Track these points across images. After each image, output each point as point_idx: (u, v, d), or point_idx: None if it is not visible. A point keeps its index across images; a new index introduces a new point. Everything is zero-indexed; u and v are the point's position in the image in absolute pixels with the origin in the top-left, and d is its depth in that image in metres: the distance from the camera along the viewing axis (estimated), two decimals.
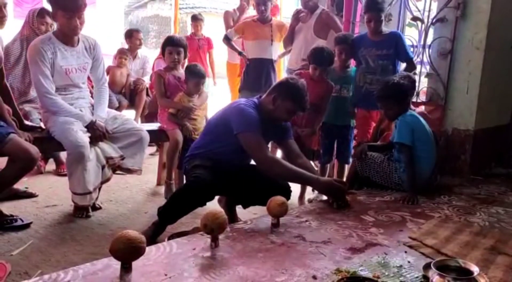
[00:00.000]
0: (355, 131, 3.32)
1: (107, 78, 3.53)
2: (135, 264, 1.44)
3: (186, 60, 3.75)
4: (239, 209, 2.61)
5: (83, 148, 2.53)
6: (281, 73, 5.40)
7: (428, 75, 3.37)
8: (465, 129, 3.17)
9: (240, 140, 2.22)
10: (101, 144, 2.71)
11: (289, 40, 3.78)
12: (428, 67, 3.38)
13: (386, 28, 3.17)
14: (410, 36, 3.40)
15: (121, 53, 4.65)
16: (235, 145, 2.25)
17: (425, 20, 3.29)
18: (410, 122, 2.56)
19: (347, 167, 3.29)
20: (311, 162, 2.98)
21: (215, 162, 2.27)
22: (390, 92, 2.58)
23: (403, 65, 3.22)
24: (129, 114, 4.28)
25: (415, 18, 3.37)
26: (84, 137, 2.59)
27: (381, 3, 3.01)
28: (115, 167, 2.79)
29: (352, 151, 3.18)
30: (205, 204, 2.24)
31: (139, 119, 4.61)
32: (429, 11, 3.30)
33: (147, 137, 2.87)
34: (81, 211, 2.68)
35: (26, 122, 2.84)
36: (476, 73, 3.09)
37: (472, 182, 2.98)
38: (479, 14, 3.03)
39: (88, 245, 2.30)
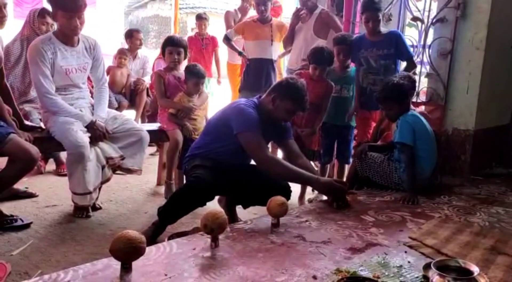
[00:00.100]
0: (355, 131, 3.32)
1: (107, 78, 3.53)
2: (135, 264, 1.44)
3: (187, 60, 3.76)
4: (239, 209, 2.61)
5: (83, 148, 2.53)
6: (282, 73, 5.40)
7: (428, 75, 3.37)
8: (465, 129, 3.17)
9: (240, 140, 2.23)
10: (101, 144, 2.71)
11: (289, 40, 3.78)
12: (428, 67, 3.37)
13: (384, 28, 3.17)
14: (410, 36, 3.40)
15: (120, 53, 4.65)
16: (235, 145, 2.25)
17: (425, 20, 3.29)
18: (411, 122, 2.56)
19: (347, 167, 3.29)
20: (311, 162, 2.98)
21: (215, 162, 2.27)
22: (391, 93, 2.58)
23: (403, 65, 3.21)
24: (129, 114, 4.28)
25: (415, 18, 3.37)
26: (84, 137, 2.59)
27: (378, 3, 3.01)
28: (115, 167, 2.79)
29: (352, 151, 3.18)
30: (205, 204, 2.24)
31: (139, 120, 4.61)
32: (429, 11, 3.30)
33: (147, 137, 2.87)
34: (81, 211, 2.69)
35: (26, 122, 2.84)
36: (476, 73, 3.09)
37: (472, 182, 2.98)
38: (479, 14, 3.03)
39: (88, 245, 2.30)
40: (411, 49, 3.23)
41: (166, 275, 1.45)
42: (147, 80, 4.72)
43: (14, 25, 3.82)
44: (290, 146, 2.51)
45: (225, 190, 2.36)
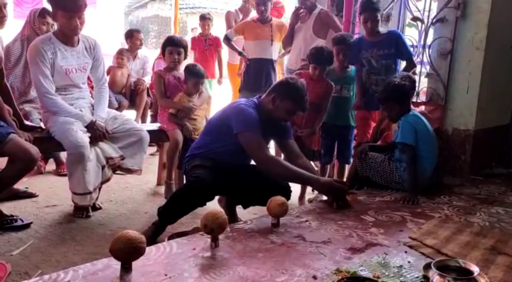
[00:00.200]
0: (355, 131, 3.31)
1: (108, 78, 3.52)
2: (135, 264, 1.44)
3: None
4: (239, 209, 2.61)
5: (83, 148, 2.53)
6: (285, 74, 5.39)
7: (428, 75, 3.37)
8: (465, 129, 3.17)
9: (240, 140, 2.22)
10: (101, 144, 2.71)
11: (288, 40, 3.78)
12: (428, 67, 3.37)
13: (382, 28, 3.17)
14: (410, 36, 3.39)
15: (119, 54, 4.65)
16: (235, 145, 2.25)
17: (425, 20, 3.29)
18: (412, 122, 2.56)
19: (347, 167, 3.29)
20: (311, 162, 2.98)
21: (215, 162, 2.27)
22: (392, 94, 2.58)
23: (402, 64, 3.21)
24: (130, 114, 4.28)
25: (415, 18, 3.37)
26: (84, 137, 2.59)
27: (376, 3, 3.00)
28: (115, 167, 2.79)
29: (352, 151, 3.18)
30: (205, 204, 2.24)
31: (140, 120, 4.61)
32: (429, 11, 3.29)
33: (147, 137, 2.87)
34: (81, 211, 2.68)
35: (26, 122, 2.84)
36: (476, 73, 3.09)
37: (472, 182, 2.98)
38: (479, 14, 3.03)
39: (88, 245, 2.30)
40: (411, 49, 3.23)
41: (166, 275, 1.45)
42: (147, 80, 4.72)
43: (14, 25, 3.82)
44: (290, 146, 2.51)
45: (225, 190, 2.36)
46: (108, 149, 2.74)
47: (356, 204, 2.34)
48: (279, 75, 4.32)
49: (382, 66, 3.05)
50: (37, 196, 3.03)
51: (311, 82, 2.87)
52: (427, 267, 1.49)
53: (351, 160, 3.19)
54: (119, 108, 4.35)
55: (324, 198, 2.50)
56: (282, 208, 1.91)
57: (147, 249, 1.48)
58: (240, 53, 4.33)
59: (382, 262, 1.62)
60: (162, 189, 3.32)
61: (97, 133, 2.68)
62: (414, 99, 3.15)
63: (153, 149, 4.45)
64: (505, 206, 2.44)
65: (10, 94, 2.73)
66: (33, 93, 3.31)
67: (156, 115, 4.38)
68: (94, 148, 2.66)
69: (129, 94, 4.65)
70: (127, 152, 2.80)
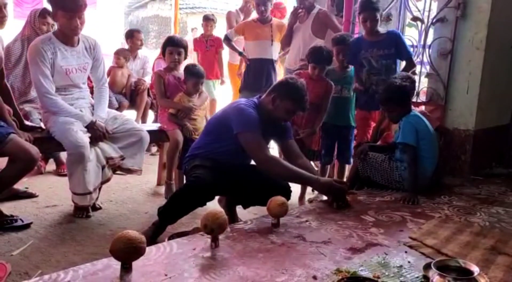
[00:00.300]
0: (355, 131, 3.31)
1: (108, 78, 3.52)
2: (135, 264, 1.44)
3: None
4: (239, 209, 2.61)
5: (83, 148, 2.53)
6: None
7: (428, 75, 3.37)
8: (465, 129, 3.17)
9: (240, 140, 2.22)
10: (101, 144, 2.71)
11: (287, 40, 3.77)
12: (428, 67, 3.37)
13: (381, 28, 3.17)
14: (410, 36, 3.40)
15: (117, 53, 4.64)
16: (235, 145, 2.25)
17: (425, 20, 3.29)
18: (414, 123, 2.56)
19: (347, 167, 3.29)
20: (312, 162, 2.98)
21: (215, 162, 2.27)
22: (393, 94, 2.58)
23: (402, 64, 3.21)
24: (130, 114, 4.28)
25: (415, 18, 3.37)
26: (84, 137, 2.59)
27: (376, 2, 3.00)
28: (115, 167, 2.79)
29: (353, 151, 3.18)
30: (205, 204, 2.24)
31: (140, 120, 4.61)
32: (429, 11, 3.29)
33: (147, 137, 2.87)
34: (81, 211, 2.69)
35: (26, 122, 2.84)
36: (476, 73, 3.09)
37: (472, 182, 2.98)
38: (479, 14, 3.03)
39: (88, 245, 2.30)
40: (411, 49, 3.23)
41: (166, 275, 1.45)
42: (148, 80, 4.72)
43: (14, 25, 3.82)
44: (290, 146, 2.50)
45: (225, 190, 2.36)
46: (108, 149, 2.74)
47: (356, 204, 2.34)
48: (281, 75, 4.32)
49: (382, 66, 3.05)
50: (37, 196, 3.03)
51: (311, 82, 2.87)
52: (427, 267, 1.49)
53: (351, 160, 3.19)
54: (119, 108, 4.34)
55: (324, 198, 2.50)
56: (282, 208, 1.91)
57: (147, 249, 1.48)
58: (240, 54, 4.33)
59: (382, 262, 1.62)
60: (162, 189, 3.32)
61: (97, 134, 2.68)
62: (414, 99, 3.15)
63: (154, 149, 4.45)
64: (505, 206, 2.44)
65: (10, 94, 2.74)
66: (33, 93, 3.31)
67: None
68: (94, 148, 2.66)
69: (130, 95, 4.65)
70: (127, 152, 2.80)
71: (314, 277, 1.48)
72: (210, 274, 1.47)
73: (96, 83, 2.94)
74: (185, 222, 2.47)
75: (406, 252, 1.73)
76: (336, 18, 3.82)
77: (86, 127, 2.66)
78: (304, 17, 3.66)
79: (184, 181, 2.68)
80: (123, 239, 1.38)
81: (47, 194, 3.11)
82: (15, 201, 2.89)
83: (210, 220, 1.63)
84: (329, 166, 3.36)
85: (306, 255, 1.66)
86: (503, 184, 2.98)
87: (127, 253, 1.38)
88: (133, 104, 4.65)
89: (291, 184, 2.37)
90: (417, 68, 3.32)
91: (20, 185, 2.94)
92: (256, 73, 4.07)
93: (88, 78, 2.94)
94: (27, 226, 2.49)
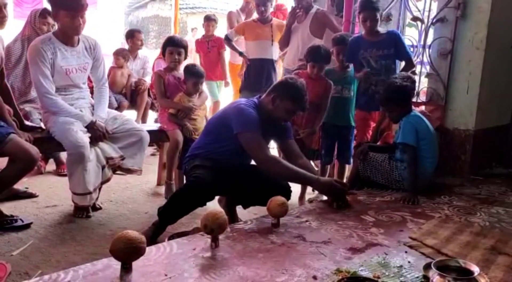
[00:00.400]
0: (355, 131, 3.31)
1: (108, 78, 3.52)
2: (135, 264, 1.44)
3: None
4: (239, 209, 2.61)
5: (83, 148, 2.53)
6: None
7: (428, 75, 3.37)
8: (465, 129, 3.17)
9: (240, 140, 2.22)
10: (101, 144, 2.71)
11: (285, 40, 3.77)
12: (428, 67, 3.37)
13: (381, 28, 3.17)
14: (410, 36, 3.40)
15: (116, 54, 4.64)
16: (235, 145, 2.25)
17: (425, 20, 3.29)
18: (414, 122, 2.56)
19: (347, 167, 3.29)
20: (312, 162, 2.98)
21: (215, 162, 2.27)
22: (393, 94, 2.58)
23: (401, 64, 3.21)
24: (130, 114, 4.28)
25: (415, 18, 3.37)
26: (84, 137, 2.59)
27: (376, 2, 2.99)
28: (115, 167, 2.79)
29: (353, 152, 3.18)
30: (205, 204, 2.24)
31: (140, 120, 4.60)
32: (429, 11, 3.29)
33: (147, 137, 2.87)
34: (81, 211, 2.69)
35: (27, 122, 2.84)
36: (476, 73, 3.09)
37: (472, 182, 2.98)
38: (479, 14, 3.03)
39: (88, 245, 2.30)
40: (411, 49, 3.22)
41: (166, 275, 1.45)
42: (148, 80, 4.72)
43: (14, 25, 3.82)
44: (290, 145, 2.50)
45: (225, 190, 2.36)
46: (108, 149, 2.74)
47: (356, 204, 2.34)
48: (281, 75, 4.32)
49: (381, 67, 3.04)
50: (37, 196, 3.03)
51: (310, 82, 2.87)
52: (427, 267, 1.49)
53: (351, 160, 3.19)
54: (119, 108, 4.34)
55: (324, 198, 2.50)
56: (282, 208, 1.91)
57: (147, 249, 1.48)
58: (240, 54, 4.33)
59: (382, 262, 1.62)
60: (162, 189, 3.32)
61: (97, 134, 2.68)
62: (414, 99, 3.15)
63: (154, 149, 4.45)
64: (505, 206, 2.44)
65: (10, 94, 2.74)
66: (33, 93, 3.31)
67: None
68: (94, 148, 2.66)
69: (130, 95, 4.65)
70: (127, 152, 2.80)
71: (314, 277, 1.48)
72: (210, 274, 1.47)
73: (96, 83, 2.94)
74: (185, 222, 2.47)
75: (406, 252, 1.73)
76: (336, 18, 3.82)
77: (86, 127, 2.66)
78: (302, 17, 3.66)
79: (184, 181, 2.68)
80: (123, 239, 1.38)
81: (47, 194, 3.11)
82: (15, 201, 2.89)
83: (210, 220, 1.63)
84: (329, 166, 3.36)
85: (306, 255, 1.66)
86: (503, 184, 2.98)
87: (127, 253, 1.38)
88: (133, 105, 4.65)
89: (291, 184, 2.37)
90: (417, 68, 3.31)
91: (20, 185, 2.94)
92: (256, 73, 4.07)
93: (88, 78, 2.94)
94: (27, 226, 2.49)
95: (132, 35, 4.86)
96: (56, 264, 2.06)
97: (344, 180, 3.02)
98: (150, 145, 3.40)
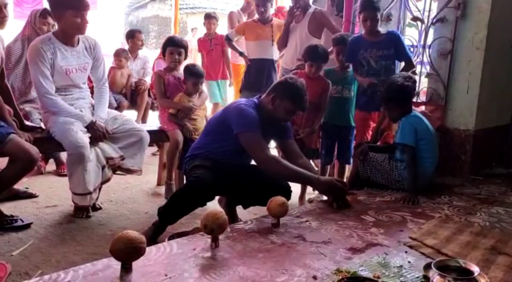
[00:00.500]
0: (355, 131, 3.31)
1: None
2: (135, 264, 1.44)
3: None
4: (239, 209, 2.61)
5: (83, 148, 2.53)
6: None
7: (428, 75, 3.37)
8: (465, 129, 3.16)
9: (240, 140, 2.22)
10: (101, 144, 2.71)
11: (283, 39, 3.77)
12: (428, 67, 3.37)
13: (382, 28, 3.17)
14: (410, 36, 3.40)
15: (117, 55, 4.63)
16: (235, 145, 2.25)
17: (425, 20, 3.29)
18: (413, 122, 2.56)
19: (347, 167, 3.29)
20: (311, 161, 2.98)
21: (215, 162, 2.27)
22: (394, 94, 2.58)
23: (401, 65, 3.21)
24: (130, 115, 4.28)
25: (415, 18, 3.37)
26: (84, 137, 2.59)
27: (377, 2, 2.98)
28: (115, 167, 2.79)
29: (353, 152, 3.18)
30: (205, 204, 2.25)
31: (140, 120, 4.60)
32: (429, 11, 3.29)
33: (147, 137, 2.87)
34: (81, 211, 2.69)
35: (27, 122, 2.84)
36: (476, 73, 3.08)
37: (472, 182, 2.98)
38: (479, 14, 3.03)
39: (88, 245, 2.30)
40: (411, 50, 3.22)
41: (166, 275, 1.45)
42: (148, 80, 4.72)
43: (15, 25, 3.82)
44: (290, 145, 2.51)
45: (225, 190, 2.36)
46: (108, 149, 2.74)
47: (356, 204, 2.34)
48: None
49: (381, 67, 3.04)
50: (37, 196, 3.03)
51: (308, 81, 2.86)
52: (427, 267, 1.49)
53: (351, 160, 3.19)
54: (119, 108, 4.34)
55: (325, 198, 2.50)
56: (282, 208, 1.91)
57: (147, 249, 1.48)
58: (241, 54, 4.33)
59: (382, 262, 1.62)
60: (162, 189, 3.32)
61: (97, 134, 2.68)
62: (414, 99, 3.15)
63: (154, 149, 4.45)
64: (505, 206, 2.44)
65: (11, 94, 2.74)
66: (33, 93, 3.31)
67: None
68: (94, 148, 2.66)
69: (130, 95, 4.65)
70: (127, 152, 2.80)
71: (314, 277, 1.48)
72: (210, 274, 1.47)
73: (96, 83, 2.94)
74: (185, 222, 2.47)
75: (406, 252, 1.73)
76: (336, 18, 3.82)
77: (86, 127, 2.66)
78: (300, 16, 3.66)
79: (184, 181, 2.68)
80: (123, 239, 1.38)
81: (47, 194, 3.11)
82: (15, 201, 2.89)
83: (210, 220, 1.63)
84: (329, 166, 3.36)
85: (306, 255, 1.66)
86: (503, 184, 2.98)
87: (127, 253, 1.38)
88: (133, 105, 4.65)
89: (291, 184, 2.37)
90: (417, 68, 3.31)
91: (20, 185, 2.94)
92: (256, 73, 4.08)
93: (88, 78, 2.94)
94: (27, 226, 2.49)
95: (132, 35, 4.86)
96: (56, 264, 2.06)
97: (344, 180, 3.02)
98: (150, 144, 3.39)
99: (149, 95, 4.69)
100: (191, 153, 2.43)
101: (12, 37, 3.43)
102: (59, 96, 2.66)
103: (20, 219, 2.52)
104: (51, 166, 3.73)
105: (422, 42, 3.33)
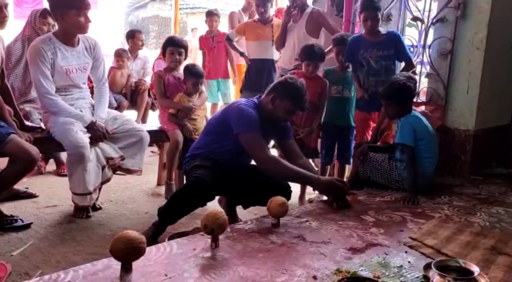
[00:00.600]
0: (355, 131, 3.31)
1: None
2: (135, 264, 1.44)
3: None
4: (239, 209, 2.61)
5: (83, 148, 2.53)
6: None
7: (428, 75, 3.37)
8: (465, 129, 3.16)
9: (241, 140, 2.22)
10: (101, 144, 2.71)
11: (281, 40, 3.76)
12: (428, 67, 3.37)
13: (382, 28, 3.16)
14: (410, 36, 3.39)
15: (117, 56, 4.63)
16: (235, 145, 2.25)
17: (425, 20, 3.29)
18: (412, 123, 2.56)
19: (347, 168, 3.29)
20: (311, 161, 2.98)
21: (215, 162, 2.27)
22: (395, 93, 2.58)
23: (401, 65, 3.20)
24: (130, 115, 4.28)
25: (415, 18, 3.37)
26: (84, 137, 2.59)
27: (377, 2, 2.98)
28: (115, 167, 2.79)
29: (353, 152, 3.18)
30: (205, 204, 2.25)
31: (140, 120, 4.60)
32: (429, 11, 3.29)
33: (147, 137, 2.87)
34: (81, 211, 2.69)
35: (27, 122, 2.85)
36: (476, 73, 3.08)
37: (472, 182, 2.98)
38: (479, 14, 3.03)
39: (88, 245, 2.30)
40: (411, 50, 3.22)
41: (166, 275, 1.45)
42: (148, 80, 4.72)
43: (15, 25, 3.83)
44: (290, 145, 2.51)
45: (225, 190, 2.36)
46: (108, 149, 2.74)
47: (356, 204, 2.34)
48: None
49: (381, 67, 3.03)
50: (37, 196, 3.03)
51: (306, 81, 2.84)
52: (427, 267, 1.49)
53: (351, 160, 3.19)
54: (119, 108, 4.34)
55: (325, 198, 2.50)
56: (283, 208, 1.91)
57: (147, 249, 1.48)
58: (241, 54, 4.33)
59: (382, 262, 1.62)
60: (162, 189, 3.32)
61: (97, 134, 2.68)
62: (414, 99, 3.14)
63: (154, 149, 4.45)
64: (505, 206, 2.44)
65: (11, 95, 2.74)
66: (33, 93, 3.31)
67: None
68: (94, 148, 2.66)
69: (130, 95, 4.65)
70: (127, 152, 2.80)
71: (314, 277, 1.48)
72: (210, 274, 1.47)
73: (96, 83, 2.94)
74: (185, 222, 2.47)
75: (406, 252, 1.73)
76: (336, 18, 3.82)
77: (86, 127, 2.66)
78: (297, 16, 3.66)
79: (184, 181, 2.68)
80: (123, 239, 1.38)
81: (47, 194, 3.11)
82: (15, 201, 2.90)
83: (210, 220, 1.63)
84: (329, 166, 3.36)
85: (306, 255, 1.66)
86: (503, 184, 2.98)
87: (127, 253, 1.39)
88: (133, 105, 4.65)
89: (291, 184, 2.37)
90: (417, 68, 3.31)
91: (20, 185, 2.94)
92: (257, 73, 4.08)
93: (88, 78, 2.94)
94: (27, 226, 2.49)
95: (133, 36, 4.87)
96: (56, 264, 2.06)
97: (344, 180, 3.02)
98: (150, 145, 3.39)
99: (149, 95, 4.69)
100: (191, 153, 2.43)
101: (12, 37, 3.43)
102: (59, 96, 2.66)
103: (20, 219, 2.52)
104: (51, 166, 3.73)
105: (422, 42, 3.33)
